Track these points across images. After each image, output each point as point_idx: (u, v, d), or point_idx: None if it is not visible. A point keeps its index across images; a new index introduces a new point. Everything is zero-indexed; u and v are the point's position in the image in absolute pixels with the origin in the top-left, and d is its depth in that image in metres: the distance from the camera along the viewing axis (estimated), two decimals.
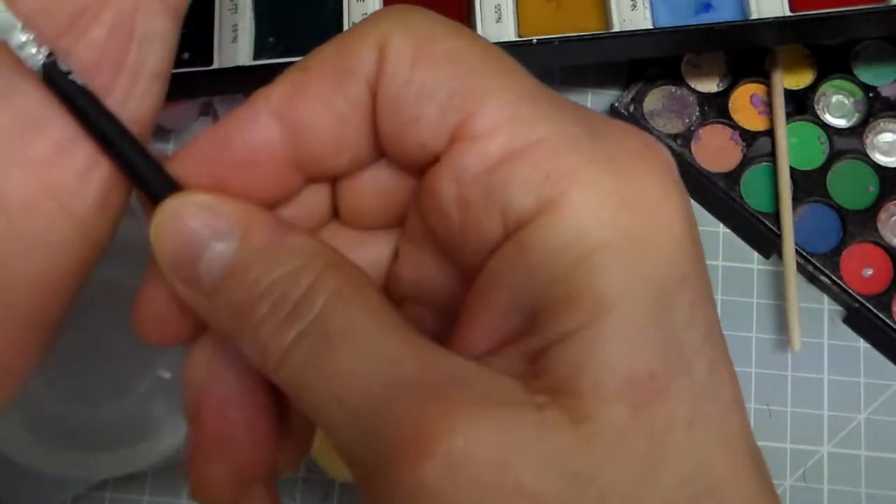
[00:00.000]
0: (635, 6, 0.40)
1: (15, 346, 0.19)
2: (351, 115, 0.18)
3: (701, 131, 0.46)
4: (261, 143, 0.18)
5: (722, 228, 0.46)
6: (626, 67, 0.48)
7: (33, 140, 0.18)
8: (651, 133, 0.45)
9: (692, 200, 0.46)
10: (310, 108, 0.18)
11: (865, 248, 0.44)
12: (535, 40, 0.40)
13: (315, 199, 0.20)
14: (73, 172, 0.19)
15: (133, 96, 0.19)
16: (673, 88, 0.47)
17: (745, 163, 0.45)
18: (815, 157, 0.46)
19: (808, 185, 0.45)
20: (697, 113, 0.46)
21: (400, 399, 0.16)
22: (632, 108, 0.46)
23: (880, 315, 0.43)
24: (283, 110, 0.18)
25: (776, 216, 0.44)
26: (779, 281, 0.45)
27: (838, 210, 0.45)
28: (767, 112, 0.46)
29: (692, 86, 0.46)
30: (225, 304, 0.17)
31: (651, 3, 0.40)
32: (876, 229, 0.44)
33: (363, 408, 0.16)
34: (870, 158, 0.45)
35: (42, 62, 0.18)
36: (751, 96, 0.47)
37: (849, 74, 0.47)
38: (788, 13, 0.40)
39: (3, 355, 0.19)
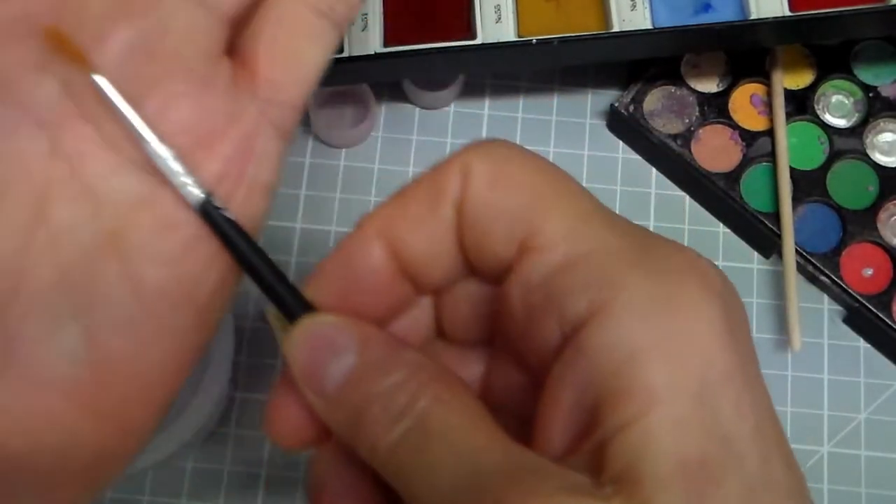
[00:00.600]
0: (635, 6, 0.40)
1: (146, 414, 0.22)
2: (442, 233, 0.21)
3: (701, 131, 0.46)
4: (371, 262, 0.21)
5: (722, 228, 0.46)
6: (626, 67, 0.48)
7: (169, 237, 0.22)
8: (651, 133, 0.45)
9: (692, 200, 0.46)
10: (407, 227, 0.21)
11: (865, 248, 0.44)
12: (534, 40, 0.40)
13: (422, 316, 0.23)
14: (199, 265, 0.22)
15: (248, 206, 0.23)
16: (673, 88, 0.47)
17: (745, 163, 0.45)
18: (815, 157, 0.46)
19: (808, 185, 0.45)
20: (697, 113, 0.46)
21: (485, 487, 0.18)
22: (631, 108, 0.46)
23: (880, 315, 0.43)
24: (385, 231, 0.21)
25: (776, 216, 0.44)
26: (779, 281, 0.45)
27: (838, 210, 0.45)
28: (767, 112, 0.46)
29: (692, 86, 0.46)
30: (344, 407, 0.20)
31: (651, 4, 0.40)
32: (876, 229, 0.44)
33: (454, 494, 0.18)
34: (870, 158, 0.45)
35: (201, 198, 0.22)
36: (751, 96, 0.47)
37: (849, 74, 0.47)
38: (788, 13, 0.40)
39: (135, 422, 0.22)
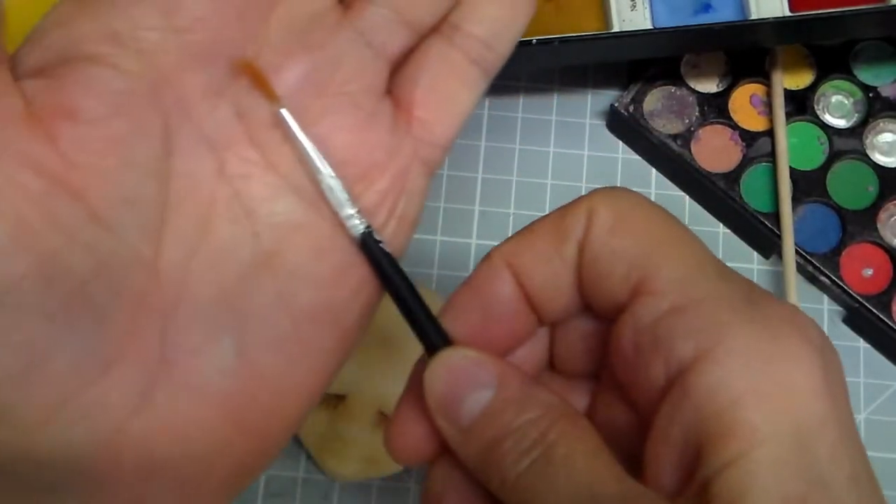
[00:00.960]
0: (635, 6, 0.40)
1: (284, 430, 0.24)
2: (564, 270, 0.22)
3: (701, 131, 0.46)
4: (502, 291, 0.23)
5: (722, 228, 0.46)
6: (626, 67, 0.48)
7: (323, 261, 0.23)
8: (651, 133, 0.45)
9: (692, 201, 0.46)
10: (533, 262, 0.23)
11: (865, 248, 0.44)
12: (534, 40, 0.40)
13: (537, 347, 0.24)
14: (348, 291, 0.23)
15: (396, 238, 0.24)
16: (672, 89, 0.47)
17: (745, 163, 0.45)
18: (814, 157, 0.46)
19: (808, 185, 0.45)
20: (697, 113, 0.46)
21: None
22: (631, 108, 0.46)
23: (880, 315, 0.43)
24: (512, 263, 0.23)
25: (776, 216, 0.44)
26: (779, 281, 0.45)
27: (838, 210, 0.45)
28: (767, 112, 0.46)
29: (692, 86, 0.46)
30: (477, 439, 0.21)
31: (650, 4, 0.40)
32: (876, 229, 0.44)
33: None
34: (869, 158, 0.45)
35: (362, 231, 0.23)
36: (750, 96, 0.47)
37: (848, 74, 0.47)
38: (788, 13, 0.40)
39: (275, 437, 0.23)
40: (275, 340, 0.22)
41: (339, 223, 0.23)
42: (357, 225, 0.23)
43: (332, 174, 0.23)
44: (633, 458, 0.21)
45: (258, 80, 0.23)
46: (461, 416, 0.21)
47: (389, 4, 0.24)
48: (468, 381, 0.22)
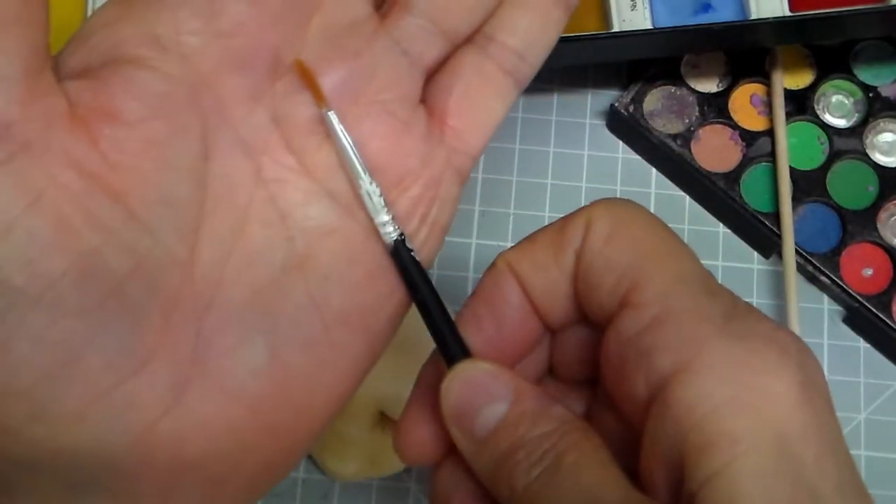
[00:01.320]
0: (635, 6, 0.40)
1: (311, 432, 0.24)
2: (561, 279, 0.23)
3: (701, 131, 0.46)
4: (512, 298, 0.24)
5: (722, 228, 0.46)
6: (626, 67, 0.48)
7: (355, 266, 0.23)
8: (651, 133, 0.45)
9: (692, 201, 0.46)
10: (534, 269, 0.23)
11: (865, 248, 0.44)
12: None
13: (539, 353, 0.25)
14: (378, 296, 0.24)
15: (427, 245, 0.25)
16: (672, 88, 0.47)
17: (745, 163, 0.45)
18: (814, 157, 0.46)
19: (808, 185, 0.45)
20: (697, 113, 0.46)
21: None
22: (631, 108, 0.46)
23: (880, 315, 0.43)
24: (515, 270, 0.23)
25: (776, 216, 0.44)
26: (779, 281, 0.45)
27: (838, 210, 0.45)
28: (767, 112, 0.46)
29: (692, 86, 0.46)
30: (491, 450, 0.22)
31: (650, 4, 0.40)
32: (876, 229, 0.44)
33: None
34: (870, 158, 0.45)
35: (394, 238, 0.23)
36: (750, 96, 0.47)
37: (849, 74, 0.47)
38: (788, 13, 0.40)
39: (302, 439, 0.23)
40: (306, 343, 0.23)
41: (373, 229, 0.23)
42: (391, 232, 0.23)
43: (371, 180, 0.23)
44: (626, 466, 0.21)
45: (309, 81, 0.23)
46: (476, 427, 0.22)
47: (426, 14, 0.24)
48: (484, 393, 0.22)
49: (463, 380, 0.22)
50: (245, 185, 0.23)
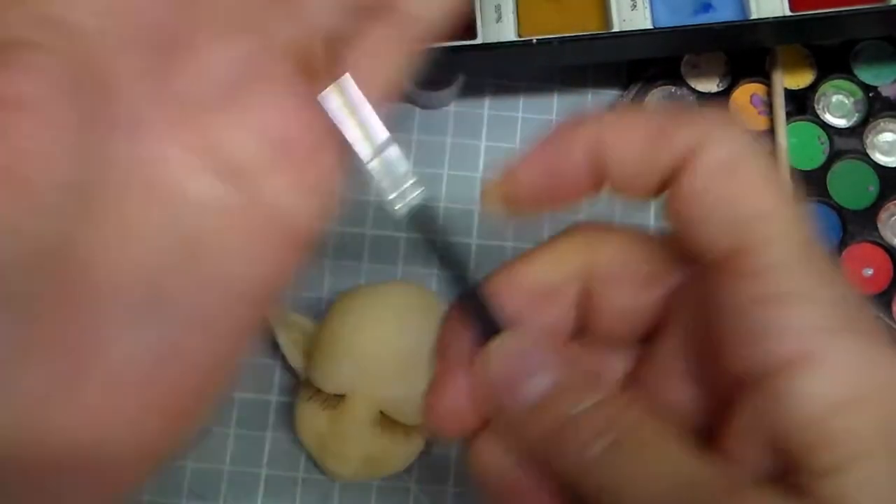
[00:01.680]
0: (635, 6, 0.40)
1: (203, 411, 0.23)
2: (650, 168, 0.21)
3: None
4: (573, 156, 0.22)
5: None
6: (626, 67, 0.48)
7: (250, 242, 0.23)
8: None
9: None
10: (623, 141, 0.22)
11: (865, 248, 0.44)
12: (535, 40, 0.40)
13: (565, 316, 0.24)
14: (272, 269, 0.23)
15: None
16: (673, 88, 0.47)
17: None
18: (815, 156, 0.46)
19: (808, 185, 0.45)
20: None
21: (703, 499, 0.19)
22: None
23: (880, 315, 0.43)
24: (593, 133, 0.22)
25: None
26: None
27: (838, 210, 0.45)
28: (767, 112, 0.46)
29: (692, 86, 0.46)
30: (537, 423, 0.21)
31: (651, 4, 0.40)
32: (876, 229, 0.44)
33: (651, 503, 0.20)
34: (870, 158, 0.45)
35: (418, 202, 0.23)
36: (751, 96, 0.47)
37: (849, 74, 0.47)
38: (788, 13, 0.40)
39: (194, 418, 0.23)
40: (201, 323, 0.22)
41: (262, 205, 0.23)
42: (413, 196, 0.23)
43: (392, 141, 0.23)
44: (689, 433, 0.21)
45: (320, 60, 0.23)
46: (523, 398, 0.22)
47: None
48: (530, 363, 0.22)
49: (506, 350, 0.22)
50: (128, 164, 0.22)
